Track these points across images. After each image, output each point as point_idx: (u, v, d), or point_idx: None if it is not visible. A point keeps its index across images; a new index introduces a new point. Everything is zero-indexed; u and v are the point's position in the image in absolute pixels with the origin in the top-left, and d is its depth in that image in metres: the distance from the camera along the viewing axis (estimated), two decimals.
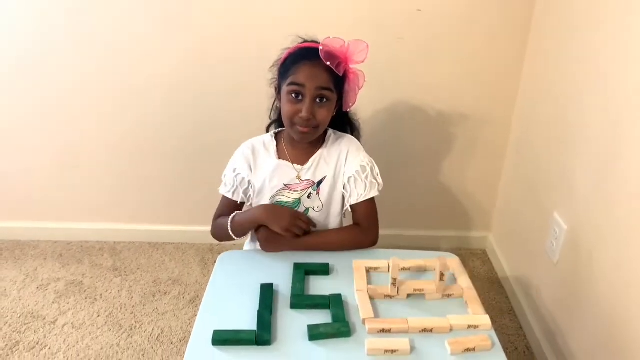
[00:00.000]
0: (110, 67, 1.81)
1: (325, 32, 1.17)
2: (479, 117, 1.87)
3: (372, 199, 1.24)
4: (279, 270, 1.12)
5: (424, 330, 0.96)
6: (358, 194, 1.22)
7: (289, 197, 1.25)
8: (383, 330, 0.95)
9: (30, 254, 2.04)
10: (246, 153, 1.26)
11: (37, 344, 1.59)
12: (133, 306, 1.77)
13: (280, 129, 1.31)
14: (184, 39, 1.76)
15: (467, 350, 0.92)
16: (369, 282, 1.08)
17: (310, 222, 1.23)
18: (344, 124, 1.33)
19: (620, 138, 1.18)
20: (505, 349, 0.95)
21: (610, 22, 1.25)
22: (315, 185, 1.24)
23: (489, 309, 1.72)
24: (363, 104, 1.32)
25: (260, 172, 1.25)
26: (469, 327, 0.97)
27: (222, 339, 0.92)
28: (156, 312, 1.74)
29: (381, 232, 1.26)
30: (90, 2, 1.70)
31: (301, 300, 1.02)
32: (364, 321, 0.98)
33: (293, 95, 1.14)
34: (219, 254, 1.21)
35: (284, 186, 1.24)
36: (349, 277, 1.10)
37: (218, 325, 0.95)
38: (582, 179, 1.35)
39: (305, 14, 1.70)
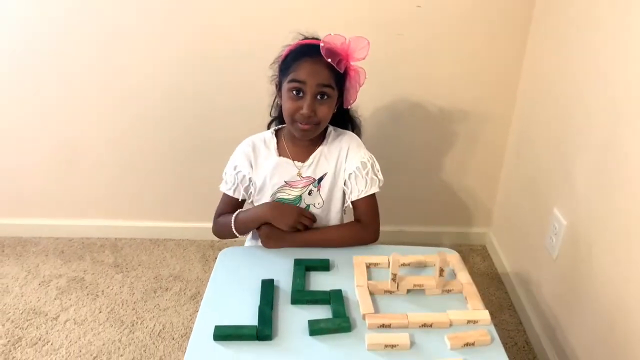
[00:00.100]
0: (111, 63, 1.81)
1: (326, 29, 1.17)
2: (479, 114, 1.87)
3: (372, 195, 1.24)
4: (279, 266, 1.13)
5: (424, 326, 0.96)
6: (359, 190, 1.23)
7: (290, 194, 1.25)
8: (383, 326, 0.96)
9: (31, 250, 2.05)
10: (247, 150, 1.26)
11: (40, 339, 1.60)
12: (134, 302, 1.78)
13: (280, 126, 1.31)
14: (184, 35, 1.76)
15: (467, 345, 0.92)
16: (369, 278, 1.09)
17: (314, 218, 1.24)
18: (345, 120, 1.33)
19: (619, 135, 1.19)
20: (505, 344, 0.96)
21: (611, 20, 1.25)
22: (316, 182, 1.24)
23: (488, 304, 1.73)
24: (364, 101, 1.32)
25: (261, 169, 1.25)
26: (469, 322, 0.98)
27: (224, 334, 0.93)
28: (157, 308, 1.75)
29: (382, 228, 1.26)
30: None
31: (302, 296, 1.03)
32: (364, 316, 0.98)
33: (294, 92, 1.14)
34: (220, 250, 1.21)
35: (284, 183, 1.24)
36: (349, 272, 1.11)
37: (219, 320, 0.96)
38: (582, 175, 1.36)
39: (306, 10, 1.70)
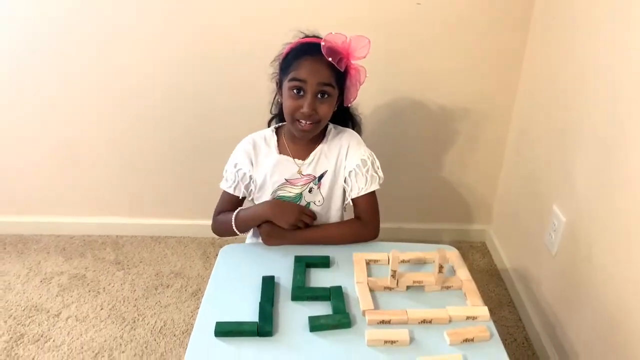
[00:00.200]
0: (111, 63, 1.81)
1: (326, 26, 1.18)
2: (480, 111, 1.88)
3: (372, 193, 1.25)
4: (280, 263, 1.14)
5: (423, 322, 0.97)
6: (359, 188, 1.23)
7: (290, 192, 1.26)
8: (383, 322, 0.97)
9: (33, 248, 2.06)
10: (247, 148, 1.27)
11: (42, 336, 1.61)
12: (136, 299, 1.79)
13: (280, 124, 1.31)
14: (183, 35, 1.76)
15: (466, 340, 0.93)
16: (369, 275, 1.10)
17: (314, 216, 1.24)
18: (345, 118, 1.33)
19: (619, 132, 1.19)
20: (504, 341, 0.97)
21: (612, 17, 1.25)
22: (316, 179, 1.25)
23: (488, 300, 1.74)
24: (364, 99, 1.32)
25: (262, 167, 1.26)
26: (468, 318, 0.99)
27: (225, 330, 0.94)
28: (159, 305, 1.76)
29: (382, 225, 1.27)
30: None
31: (302, 292, 1.04)
32: (364, 312, 0.99)
33: (294, 90, 1.14)
34: (221, 247, 1.22)
35: (285, 181, 1.25)
36: (349, 269, 1.12)
37: (220, 317, 0.97)
38: (582, 173, 1.36)
39: (306, 10, 1.70)
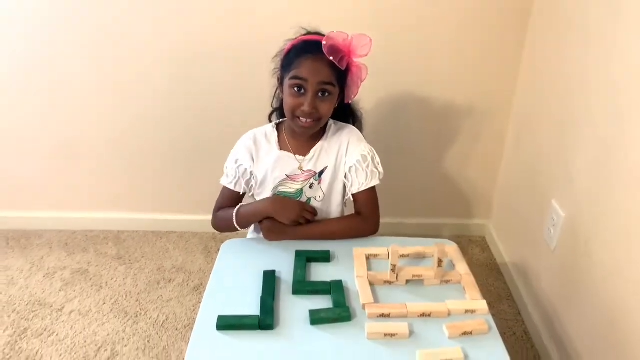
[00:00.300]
0: (111, 63, 1.82)
1: (326, 24, 1.18)
2: (480, 107, 1.88)
3: (373, 188, 1.26)
4: (281, 258, 1.15)
5: (423, 315, 0.98)
6: (359, 183, 1.24)
7: (291, 188, 1.27)
8: (382, 315, 0.98)
9: (35, 243, 2.07)
10: (248, 144, 1.27)
11: (45, 330, 1.63)
12: (138, 293, 1.80)
13: (281, 120, 1.32)
14: (184, 34, 1.76)
15: (465, 334, 0.94)
16: (369, 269, 1.11)
17: (315, 212, 1.25)
18: (347, 114, 1.34)
19: (618, 128, 1.20)
20: (504, 334, 0.98)
21: (611, 13, 1.25)
22: (317, 175, 1.26)
23: (488, 295, 1.76)
24: (365, 95, 1.33)
25: (263, 163, 1.27)
26: (467, 311, 1.00)
27: (227, 324, 0.95)
28: (161, 299, 1.78)
29: (382, 220, 1.28)
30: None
31: (303, 286, 1.05)
32: (364, 306, 1.00)
33: (295, 88, 1.14)
34: (222, 242, 1.23)
35: (286, 177, 1.26)
36: (350, 264, 1.13)
37: (222, 310, 0.98)
38: (580, 168, 1.37)
39: (307, 5, 1.70)
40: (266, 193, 1.28)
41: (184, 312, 1.72)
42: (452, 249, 1.17)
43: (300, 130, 1.20)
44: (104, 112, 1.93)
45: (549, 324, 1.54)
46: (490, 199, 2.10)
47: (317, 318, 0.97)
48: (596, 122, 1.29)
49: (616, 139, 1.20)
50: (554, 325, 1.50)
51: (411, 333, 0.94)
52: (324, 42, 1.10)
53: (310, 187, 1.26)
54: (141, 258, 2.00)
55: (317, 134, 1.25)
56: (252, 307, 1.00)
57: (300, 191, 1.26)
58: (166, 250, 2.05)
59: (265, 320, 0.95)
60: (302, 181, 1.26)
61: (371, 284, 1.06)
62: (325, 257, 1.15)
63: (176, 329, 1.65)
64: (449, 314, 0.99)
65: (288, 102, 1.17)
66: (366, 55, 1.15)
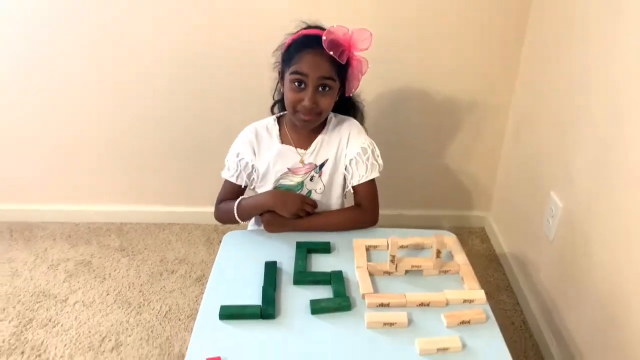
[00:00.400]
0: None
1: (327, 18, 1.19)
2: (480, 100, 1.89)
3: (372, 180, 1.27)
4: (282, 249, 1.17)
5: (421, 305, 1.00)
6: (359, 175, 1.25)
7: (292, 180, 1.28)
8: (382, 305, 0.99)
9: (39, 235, 2.09)
10: (250, 137, 1.28)
11: (50, 321, 1.65)
12: (141, 285, 1.82)
13: (282, 113, 1.33)
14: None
15: (462, 322, 0.96)
16: (368, 260, 1.13)
17: (315, 205, 1.26)
18: (347, 107, 1.34)
19: (617, 120, 1.21)
20: (502, 324, 0.99)
21: (610, 8, 1.25)
22: (318, 168, 1.27)
23: (487, 285, 1.78)
24: (366, 88, 1.33)
25: (264, 156, 1.27)
26: (465, 301, 1.01)
27: (229, 313, 0.97)
28: (164, 290, 1.80)
29: (382, 212, 1.29)
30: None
31: (304, 277, 1.07)
32: (363, 296, 1.02)
33: (296, 83, 1.15)
34: (224, 234, 1.25)
35: (287, 170, 1.27)
36: (350, 254, 1.14)
37: (224, 301, 0.99)
38: (579, 159, 1.38)
39: (307, 5, 1.70)
40: (268, 186, 1.29)
41: (186, 303, 1.74)
42: (450, 240, 1.19)
43: (301, 124, 1.21)
44: (104, 112, 1.94)
45: (547, 313, 1.56)
46: (489, 190, 2.12)
47: (317, 307, 0.98)
48: (594, 115, 1.30)
49: (614, 131, 1.21)
50: (552, 315, 1.52)
51: (410, 322, 0.96)
52: (324, 37, 1.10)
53: (311, 179, 1.27)
54: (144, 250, 2.01)
55: (318, 127, 1.26)
56: (253, 297, 1.01)
57: (301, 184, 1.28)
58: (169, 242, 2.07)
59: (266, 309, 0.97)
60: (303, 174, 1.27)
61: (371, 275, 1.08)
62: (325, 248, 1.16)
63: (179, 320, 1.67)
64: (447, 304, 1.01)
65: (289, 96, 1.17)
66: (366, 49, 1.16)
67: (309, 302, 1.00)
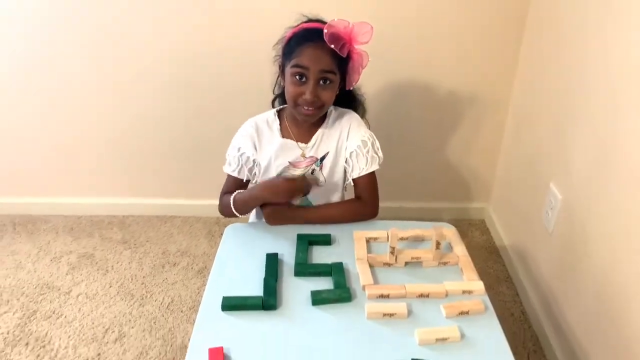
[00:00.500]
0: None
1: (327, 11, 1.19)
2: (480, 93, 1.89)
3: (372, 173, 1.27)
4: (283, 241, 1.18)
5: (421, 296, 1.01)
6: (360, 168, 1.26)
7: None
8: (382, 296, 1.01)
9: (42, 228, 2.11)
10: (250, 132, 1.28)
11: (54, 312, 1.67)
12: (143, 277, 1.84)
13: (282, 107, 1.33)
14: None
15: (461, 313, 0.97)
16: (368, 251, 1.14)
17: (307, 189, 1.25)
18: (348, 100, 1.34)
19: (615, 113, 1.21)
20: (502, 315, 1.00)
21: (610, 3, 1.25)
22: (318, 161, 1.28)
23: (486, 276, 1.79)
24: (366, 82, 1.34)
25: (265, 151, 1.28)
26: (464, 292, 1.03)
27: (231, 304, 0.98)
28: (166, 282, 1.81)
29: (382, 204, 1.30)
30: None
31: (304, 268, 1.08)
32: (364, 287, 1.03)
33: (297, 77, 1.15)
34: (225, 226, 1.26)
35: (288, 164, 1.27)
36: (350, 246, 1.15)
37: (226, 292, 1.01)
38: (578, 151, 1.39)
39: (308, 4, 1.69)
40: None
41: (188, 295, 1.76)
42: (450, 232, 1.20)
43: (302, 118, 1.22)
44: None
45: (546, 305, 1.57)
46: (489, 183, 2.12)
47: (318, 299, 1.00)
48: (592, 108, 1.31)
49: (612, 124, 1.22)
50: (551, 306, 1.53)
51: (409, 313, 0.97)
52: (325, 30, 1.10)
53: (312, 172, 1.28)
54: (146, 242, 2.03)
55: (318, 120, 1.26)
56: (255, 289, 1.03)
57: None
58: (170, 235, 2.08)
59: (268, 300, 0.98)
60: (304, 167, 1.27)
61: (371, 266, 1.09)
62: (326, 240, 1.17)
63: (181, 311, 1.69)
64: (447, 295, 1.02)
65: (290, 90, 1.18)
66: (367, 43, 1.16)
67: (310, 293, 1.01)
